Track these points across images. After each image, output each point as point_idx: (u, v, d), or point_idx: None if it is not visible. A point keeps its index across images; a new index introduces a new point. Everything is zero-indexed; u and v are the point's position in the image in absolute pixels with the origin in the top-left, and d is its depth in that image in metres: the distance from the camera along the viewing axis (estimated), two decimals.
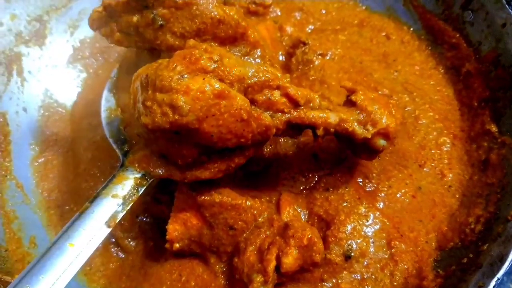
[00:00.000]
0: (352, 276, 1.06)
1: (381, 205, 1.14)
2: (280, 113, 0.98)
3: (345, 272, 1.06)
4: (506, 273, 0.91)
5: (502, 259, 0.92)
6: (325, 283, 1.06)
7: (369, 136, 1.01)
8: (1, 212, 1.20)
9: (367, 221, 1.10)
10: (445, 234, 1.09)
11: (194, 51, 0.91)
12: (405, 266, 1.06)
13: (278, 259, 0.99)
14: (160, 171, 1.02)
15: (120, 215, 1.01)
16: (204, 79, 0.88)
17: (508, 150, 1.10)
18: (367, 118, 1.02)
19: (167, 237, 1.07)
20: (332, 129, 1.01)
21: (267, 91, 0.97)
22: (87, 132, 1.38)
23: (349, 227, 1.08)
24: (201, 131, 0.89)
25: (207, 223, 1.07)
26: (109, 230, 0.99)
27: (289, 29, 1.41)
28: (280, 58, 1.36)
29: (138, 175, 1.05)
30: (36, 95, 1.39)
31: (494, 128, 1.16)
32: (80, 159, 1.34)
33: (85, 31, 1.50)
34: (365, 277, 1.06)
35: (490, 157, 1.13)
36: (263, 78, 0.96)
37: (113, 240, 1.22)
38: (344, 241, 1.07)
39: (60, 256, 0.93)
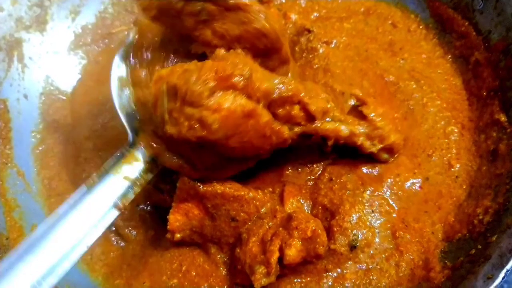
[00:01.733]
0: (357, 266, 1.05)
1: (387, 193, 1.12)
2: (297, 126, 1.01)
3: (350, 262, 1.05)
4: None
5: (511, 251, 0.91)
6: (330, 273, 1.05)
7: (375, 151, 1.10)
8: (2, 200, 1.18)
9: (372, 211, 1.09)
10: (453, 226, 1.08)
11: (226, 67, 0.91)
12: (411, 257, 1.05)
13: (281, 250, 0.98)
14: (173, 160, 1.01)
15: (131, 198, 0.99)
16: (234, 97, 0.90)
17: None
18: (376, 133, 1.09)
19: (168, 227, 1.06)
20: (341, 141, 1.06)
21: (288, 106, 1.00)
22: (87, 120, 1.36)
23: (354, 217, 1.07)
24: (226, 146, 0.93)
25: (209, 214, 1.06)
26: (119, 212, 0.96)
27: (293, 16, 1.38)
28: None
29: (149, 159, 1.02)
30: (37, 82, 1.37)
31: (503, 118, 1.14)
32: (81, 148, 1.32)
33: (87, 17, 1.47)
34: (370, 267, 1.05)
35: (499, 147, 1.11)
36: (287, 93, 0.98)
37: (114, 229, 1.21)
38: (349, 231, 1.06)
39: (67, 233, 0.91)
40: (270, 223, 1.05)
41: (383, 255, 1.06)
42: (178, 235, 1.07)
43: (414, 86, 1.25)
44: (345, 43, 1.36)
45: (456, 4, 1.31)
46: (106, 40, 1.48)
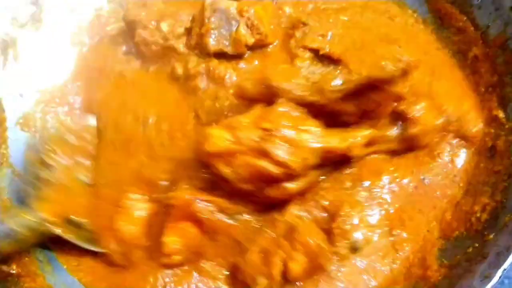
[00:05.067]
0: (357, 265, 1.04)
1: (385, 189, 1.11)
2: None
3: (351, 262, 1.04)
4: None
5: (508, 249, 0.90)
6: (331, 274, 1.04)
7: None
8: None
9: (371, 209, 1.08)
10: (450, 223, 1.07)
11: None
12: (406, 255, 1.04)
13: (284, 263, 0.97)
14: None
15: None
16: None
17: None
18: None
19: (164, 250, 1.04)
20: None
21: None
22: None
23: (355, 219, 1.06)
24: None
25: (207, 233, 1.06)
26: None
27: (287, 9, 1.36)
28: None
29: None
30: (33, 80, 1.36)
31: (501, 114, 1.13)
32: None
33: (83, 15, 1.46)
34: (366, 266, 1.04)
35: (497, 144, 1.10)
36: None
37: None
38: (351, 233, 1.04)
39: None
40: (271, 233, 1.03)
41: (379, 253, 1.05)
42: (177, 257, 1.06)
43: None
44: (340, 35, 1.33)
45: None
46: (102, 38, 1.46)
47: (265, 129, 0.99)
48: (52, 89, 1.38)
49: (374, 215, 1.08)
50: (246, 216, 1.08)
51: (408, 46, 1.27)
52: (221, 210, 1.05)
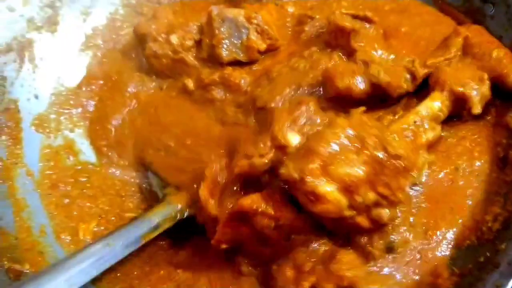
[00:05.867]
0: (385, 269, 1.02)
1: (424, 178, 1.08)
2: None
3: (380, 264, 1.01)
4: None
5: None
6: None
7: None
8: (12, 200, 1.19)
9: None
10: (462, 231, 1.07)
11: None
12: (424, 263, 1.02)
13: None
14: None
15: (156, 233, 1.15)
16: None
17: None
18: None
19: (216, 237, 1.04)
20: None
21: None
22: None
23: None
24: None
25: (258, 234, 1.03)
26: (143, 242, 1.13)
27: (290, 9, 1.38)
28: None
29: (177, 208, 1.18)
30: (48, 82, 1.38)
31: None
32: None
33: (98, 19, 1.48)
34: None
35: (509, 154, 1.10)
36: None
37: None
38: (389, 233, 1.02)
39: (97, 250, 1.07)
40: (310, 251, 1.01)
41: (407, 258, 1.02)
42: (223, 246, 1.05)
43: None
44: None
45: (467, 9, 1.31)
46: (118, 43, 1.48)
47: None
48: (67, 92, 1.40)
49: (413, 212, 1.05)
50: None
51: None
52: (279, 226, 1.00)
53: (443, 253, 1.04)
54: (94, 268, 1.05)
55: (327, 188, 0.88)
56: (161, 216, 1.16)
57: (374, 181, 0.90)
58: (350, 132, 0.92)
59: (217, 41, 1.26)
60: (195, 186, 1.13)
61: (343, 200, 0.89)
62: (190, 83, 1.30)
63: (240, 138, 1.14)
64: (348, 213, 0.91)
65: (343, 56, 1.17)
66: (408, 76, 1.07)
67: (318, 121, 1.04)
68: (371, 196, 0.91)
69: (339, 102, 1.09)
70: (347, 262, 0.96)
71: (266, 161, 1.00)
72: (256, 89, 1.23)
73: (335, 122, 0.94)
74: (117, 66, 1.43)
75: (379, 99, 1.09)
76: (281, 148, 1.00)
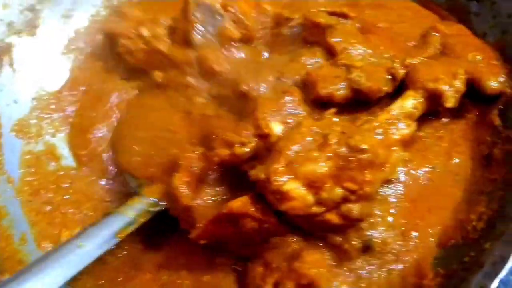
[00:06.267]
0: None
1: (402, 177, 1.08)
2: None
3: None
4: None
5: (504, 259, 0.88)
6: None
7: None
8: None
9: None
10: (446, 231, 1.06)
11: None
12: (405, 264, 1.02)
13: (276, 286, 0.96)
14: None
15: (130, 230, 1.11)
16: None
17: None
18: None
19: (195, 233, 1.02)
20: None
21: None
22: None
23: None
24: None
25: (240, 232, 1.02)
26: (117, 240, 1.09)
27: (268, 7, 1.30)
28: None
29: (150, 201, 1.15)
30: (28, 87, 1.36)
31: (497, 122, 1.11)
32: None
33: (80, 21, 1.46)
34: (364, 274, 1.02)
35: (493, 152, 1.09)
36: None
37: None
38: (366, 231, 1.02)
39: (68, 253, 1.03)
40: (279, 251, 1.02)
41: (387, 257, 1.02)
42: (203, 242, 1.03)
43: None
44: None
45: (451, 6, 1.30)
46: (99, 45, 1.46)
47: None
48: (48, 96, 1.38)
49: (391, 211, 1.05)
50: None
51: None
52: (264, 229, 1.00)
53: (426, 253, 1.03)
54: (61, 274, 1.00)
55: (292, 186, 0.90)
56: (135, 210, 1.13)
57: (340, 176, 0.91)
58: (315, 131, 0.94)
59: (191, 25, 1.23)
60: (167, 178, 1.09)
61: (308, 197, 0.90)
62: (159, 75, 1.29)
63: (213, 128, 1.12)
64: (316, 209, 0.91)
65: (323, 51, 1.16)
66: (388, 77, 1.07)
67: (302, 113, 1.04)
68: (338, 191, 0.91)
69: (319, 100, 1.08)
70: (311, 261, 0.97)
71: (248, 150, 0.99)
72: (238, 72, 1.20)
73: (300, 123, 0.96)
74: (99, 73, 1.41)
75: (359, 101, 1.08)
76: (263, 137, 0.99)
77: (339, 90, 1.05)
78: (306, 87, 1.07)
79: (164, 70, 1.29)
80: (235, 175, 1.05)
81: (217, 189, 1.07)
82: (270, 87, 1.13)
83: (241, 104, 1.15)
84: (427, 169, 1.10)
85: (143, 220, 1.13)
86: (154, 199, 1.15)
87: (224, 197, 1.06)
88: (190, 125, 1.21)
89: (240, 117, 1.12)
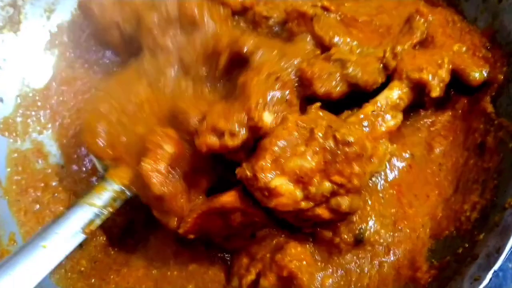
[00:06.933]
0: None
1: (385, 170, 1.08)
2: None
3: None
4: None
5: (499, 251, 0.88)
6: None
7: None
8: None
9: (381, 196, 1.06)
10: (440, 222, 1.05)
11: None
12: (397, 256, 1.02)
13: (258, 276, 0.96)
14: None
15: (97, 223, 1.04)
16: None
17: (505, 133, 1.04)
18: None
19: (186, 229, 1.00)
20: None
21: None
22: None
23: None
24: None
25: (229, 224, 1.02)
26: (84, 236, 1.02)
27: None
28: None
29: (117, 188, 1.06)
30: (13, 84, 1.33)
31: (490, 109, 1.10)
32: None
33: (62, 15, 1.42)
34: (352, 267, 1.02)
35: (487, 140, 1.08)
36: None
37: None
38: (357, 224, 1.02)
39: (31, 256, 0.96)
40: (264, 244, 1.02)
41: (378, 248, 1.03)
42: (192, 236, 1.02)
43: (387, 18, 1.20)
44: None
45: None
46: (83, 39, 1.42)
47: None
48: (33, 93, 1.35)
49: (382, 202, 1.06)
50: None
51: None
52: (253, 223, 1.01)
53: (419, 245, 1.03)
54: (27, 278, 0.94)
55: (279, 182, 0.89)
56: (102, 200, 1.05)
57: (327, 170, 0.90)
58: (301, 125, 0.93)
59: None
60: (135, 161, 1.02)
61: (296, 192, 0.89)
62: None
63: (183, 106, 1.03)
64: (305, 205, 0.91)
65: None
66: (381, 66, 1.05)
67: (291, 107, 1.01)
68: (326, 185, 0.90)
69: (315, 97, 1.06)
70: (293, 254, 0.97)
71: (239, 142, 0.95)
72: (235, 30, 1.13)
73: (286, 118, 0.94)
74: (84, 67, 1.39)
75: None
76: (255, 128, 0.96)
77: (337, 87, 1.02)
78: (301, 84, 1.03)
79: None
80: (215, 162, 1.03)
81: (194, 176, 1.03)
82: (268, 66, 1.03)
83: (224, 77, 1.09)
84: (407, 156, 1.10)
85: (111, 210, 1.06)
86: (121, 187, 1.06)
87: (203, 186, 1.04)
88: (159, 99, 1.12)
89: (232, 99, 1.02)
